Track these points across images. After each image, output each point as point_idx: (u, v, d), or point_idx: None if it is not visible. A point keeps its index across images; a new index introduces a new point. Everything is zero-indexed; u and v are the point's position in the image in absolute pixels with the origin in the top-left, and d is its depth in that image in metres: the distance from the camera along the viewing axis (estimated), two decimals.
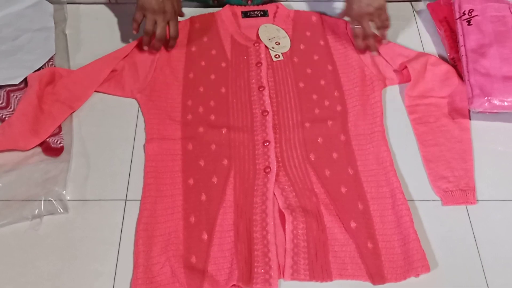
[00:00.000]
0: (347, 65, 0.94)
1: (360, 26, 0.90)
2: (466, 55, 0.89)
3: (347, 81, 0.91)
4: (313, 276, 0.68)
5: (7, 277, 0.68)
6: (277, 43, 0.96)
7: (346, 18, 0.94)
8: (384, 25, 0.91)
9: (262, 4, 1.04)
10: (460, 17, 0.93)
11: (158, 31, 0.88)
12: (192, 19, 1.00)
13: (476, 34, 0.91)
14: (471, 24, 0.92)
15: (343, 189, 0.77)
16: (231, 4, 1.02)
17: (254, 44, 0.96)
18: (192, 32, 0.98)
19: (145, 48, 0.90)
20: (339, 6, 1.06)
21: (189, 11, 1.02)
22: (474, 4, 0.94)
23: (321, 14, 1.03)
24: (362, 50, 0.93)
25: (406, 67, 0.90)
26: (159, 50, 0.92)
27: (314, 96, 0.89)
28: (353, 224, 0.73)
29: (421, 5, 1.07)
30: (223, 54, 0.95)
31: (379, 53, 0.93)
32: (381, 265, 0.70)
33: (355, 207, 0.76)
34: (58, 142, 0.80)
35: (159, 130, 0.83)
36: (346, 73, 0.93)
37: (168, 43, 0.92)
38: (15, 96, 0.85)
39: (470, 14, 0.93)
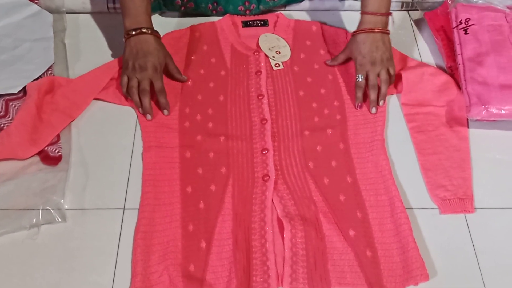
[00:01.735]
0: (348, 74, 0.94)
1: (363, 77, 0.87)
2: (463, 63, 0.90)
3: (347, 90, 0.92)
4: (312, 285, 0.68)
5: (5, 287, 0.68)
6: (278, 52, 0.97)
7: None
8: (386, 80, 0.86)
9: (262, 14, 1.04)
10: (457, 26, 0.94)
11: (141, 87, 0.83)
12: (192, 28, 1.01)
13: (473, 43, 0.91)
14: (468, 33, 0.92)
15: (342, 197, 0.77)
16: (230, 14, 1.02)
17: (254, 53, 0.97)
18: (192, 40, 0.99)
19: (149, 117, 0.85)
20: (339, 16, 1.07)
21: (189, 21, 1.03)
22: (471, 13, 0.95)
23: (321, 23, 1.04)
24: (360, 104, 0.88)
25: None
26: (150, 112, 0.85)
27: (314, 105, 0.89)
28: (352, 233, 0.73)
29: (419, 14, 1.08)
30: (222, 62, 0.95)
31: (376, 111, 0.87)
32: (380, 274, 0.70)
33: (354, 215, 0.75)
34: (57, 151, 0.80)
35: (157, 138, 0.83)
36: (347, 82, 0.93)
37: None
38: (13, 105, 0.85)
39: (467, 23, 0.94)
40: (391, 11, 0.88)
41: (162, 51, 0.87)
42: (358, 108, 0.87)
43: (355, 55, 0.88)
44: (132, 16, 0.85)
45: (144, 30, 0.85)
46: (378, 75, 0.87)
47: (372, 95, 0.86)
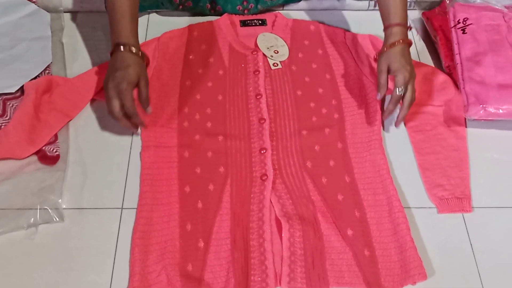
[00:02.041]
0: (346, 74, 0.94)
1: (403, 90, 0.80)
2: (461, 63, 0.90)
3: (345, 90, 0.92)
4: (310, 284, 0.68)
5: None
6: (276, 51, 0.97)
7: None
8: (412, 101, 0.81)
9: (260, 13, 1.04)
10: (455, 26, 0.94)
11: (124, 102, 0.75)
12: (190, 27, 1.01)
13: (471, 42, 0.91)
14: (466, 33, 0.93)
15: (340, 197, 0.77)
16: (228, 14, 1.02)
17: (252, 53, 0.96)
18: (190, 40, 0.99)
19: (137, 131, 0.83)
20: (337, 16, 1.07)
21: (187, 20, 1.03)
22: (469, 13, 0.95)
23: (320, 23, 1.03)
24: (385, 115, 0.83)
25: None
26: (142, 124, 0.81)
27: (312, 104, 0.89)
28: (350, 232, 0.73)
29: (416, 14, 1.08)
30: (220, 62, 0.95)
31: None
32: (378, 273, 0.70)
33: (352, 214, 0.75)
34: (54, 151, 0.80)
35: (155, 137, 0.83)
36: (344, 82, 0.93)
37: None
38: (11, 105, 0.85)
39: (464, 22, 0.94)
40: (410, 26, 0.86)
41: (136, 68, 0.78)
42: (384, 118, 0.84)
43: (396, 67, 0.81)
44: (118, 33, 0.80)
45: (128, 47, 0.78)
46: None
47: (407, 110, 0.81)
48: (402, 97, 0.81)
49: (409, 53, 0.83)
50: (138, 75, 0.77)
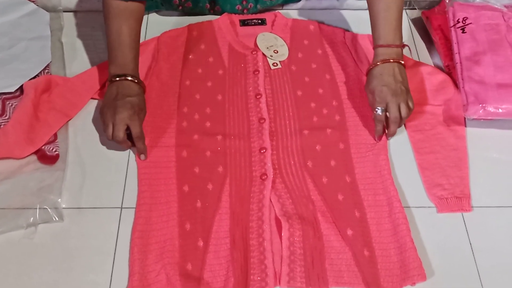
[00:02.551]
0: (345, 74, 0.94)
1: (383, 109, 0.80)
2: (460, 62, 0.90)
3: (345, 90, 0.92)
4: (310, 283, 0.68)
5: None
6: (275, 51, 0.97)
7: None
8: (407, 115, 0.80)
9: (259, 13, 1.04)
10: (454, 25, 0.94)
11: (115, 133, 0.76)
12: (190, 27, 1.01)
13: (470, 42, 0.91)
14: (465, 32, 0.93)
15: (340, 197, 0.77)
16: (228, 13, 1.02)
17: (251, 52, 0.96)
18: (190, 39, 0.98)
19: (142, 157, 0.81)
20: (337, 15, 1.07)
21: (187, 20, 1.03)
22: (468, 12, 0.95)
23: (319, 23, 1.03)
24: (379, 136, 0.83)
25: None
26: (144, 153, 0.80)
27: (312, 105, 0.89)
28: (349, 232, 0.73)
29: (416, 13, 1.08)
30: (220, 61, 0.95)
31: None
32: (378, 274, 0.70)
33: (352, 214, 0.75)
34: (54, 150, 0.80)
35: (153, 137, 0.83)
36: (344, 82, 0.93)
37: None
38: (10, 104, 0.85)
39: (464, 22, 0.94)
40: (405, 43, 0.84)
41: (143, 99, 0.80)
42: (377, 141, 0.82)
43: (373, 87, 0.81)
44: (118, 64, 0.81)
45: (129, 78, 0.79)
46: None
47: (393, 128, 0.80)
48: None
49: (398, 72, 0.81)
50: (134, 105, 0.77)
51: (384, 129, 0.83)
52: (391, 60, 0.81)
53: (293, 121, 0.87)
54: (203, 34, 1.00)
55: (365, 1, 0.86)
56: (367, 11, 0.86)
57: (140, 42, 0.93)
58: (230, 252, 0.71)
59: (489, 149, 0.85)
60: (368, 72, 0.84)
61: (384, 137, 0.84)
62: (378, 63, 0.81)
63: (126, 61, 0.80)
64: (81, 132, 0.85)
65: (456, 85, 0.91)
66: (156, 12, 1.06)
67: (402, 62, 0.82)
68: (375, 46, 0.83)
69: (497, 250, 0.74)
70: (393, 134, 0.82)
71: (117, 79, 0.79)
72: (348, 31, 1.02)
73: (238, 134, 0.84)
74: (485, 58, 0.89)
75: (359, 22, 1.04)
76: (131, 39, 0.82)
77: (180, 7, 1.03)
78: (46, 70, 0.90)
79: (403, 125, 0.86)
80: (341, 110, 0.89)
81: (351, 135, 0.85)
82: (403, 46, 0.83)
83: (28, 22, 0.98)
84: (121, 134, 0.75)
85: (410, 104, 0.80)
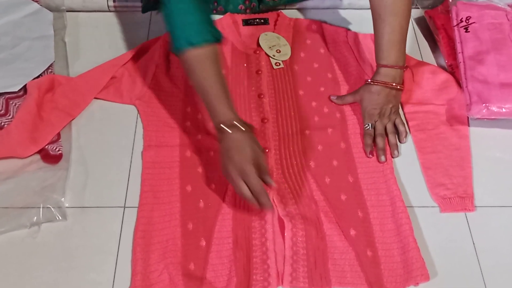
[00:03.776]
0: (347, 73, 0.94)
1: (372, 126, 0.84)
2: (463, 62, 0.89)
3: (347, 89, 0.92)
4: (312, 283, 0.68)
5: (4, 287, 0.68)
6: (278, 51, 0.97)
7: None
8: (393, 132, 0.84)
9: (262, 12, 1.04)
10: (457, 24, 0.94)
11: (251, 182, 0.69)
12: None
13: (473, 41, 0.91)
14: (469, 31, 0.92)
15: (343, 197, 0.77)
16: (230, 13, 1.02)
17: (254, 52, 0.96)
18: None
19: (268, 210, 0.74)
20: (339, 14, 1.06)
21: None
22: (472, 11, 0.94)
23: (322, 22, 1.03)
24: (371, 151, 0.82)
25: None
26: (270, 206, 0.70)
27: (314, 104, 0.89)
28: (352, 232, 0.73)
29: (419, 12, 1.08)
30: (223, 61, 0.95)
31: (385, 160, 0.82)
32: (381, 274, 0.70)
33: (354, 214, 0.75)
34: (57, 150, 0.80)
35: (157, 137, 0.83)
36: (346, 81, 0.93)
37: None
38: (14, 104, 0.85)
39: (467, 21, 0.93)
40: (407, 66, 0.86)
41: (249, 144, 0.71)
42: (370, 156, 0.82)
43: (366, 104, 0.85)
44: (219, 113, 0.73)
45: (236, 123, 0.72)
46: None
47: (381, 143, 0.82)
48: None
49: (393, 95, 0.84)
50: (253, 150, 0.70)
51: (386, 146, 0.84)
52: (394, 85, 0.83)
53: (295, 121, 0.86)
54: None
55: (367, 1, 0.86)
56: (369, 10, 0.85)
57: (143, 42, 0.94)
58: (233, 252, 0.71)
59: (492, 149, 0.85)
60: (367, 86, 0.85)
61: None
62: (379, 83, 0.83)
63: (224, 107, 0.73)
64: (84, 131, 0.85)
65: (459, 84, 0.90)
66: (159, 11, 1.06)
67: (402, 87, 0.85)
68: (378, 65, 0.84)
69: (500, 250, 0.73)
70: (382, 151, 0.82)
71: (227, 128, 0.71)
72: (350, 30, 1.01)
73: None
74: (488, 57, 0.88)
75: (361, 22, 1.04)
76: (220, 83, 0.74)
77: None
78: (49, 70, 0.91)
79: (405, 125, 0.87)
80: (341, 108, 0.89)
81: (351, 134, 0.85)
82: (406, 68, 0.85)
83: (31, 21, 0.98)
84: (255, 180, 0.68)
85: (398, 123, 0.85)
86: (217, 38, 0.74)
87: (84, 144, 0.83)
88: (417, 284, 0.68)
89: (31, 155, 0.80)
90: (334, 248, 0.72)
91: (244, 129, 0.72)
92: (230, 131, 0.71)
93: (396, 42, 0.82)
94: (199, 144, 0.83)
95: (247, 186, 0.69)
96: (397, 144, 0.84)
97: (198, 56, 0.73)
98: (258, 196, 0.69)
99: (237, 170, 0.69)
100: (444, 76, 0.92)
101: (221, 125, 0.71)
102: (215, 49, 0.74)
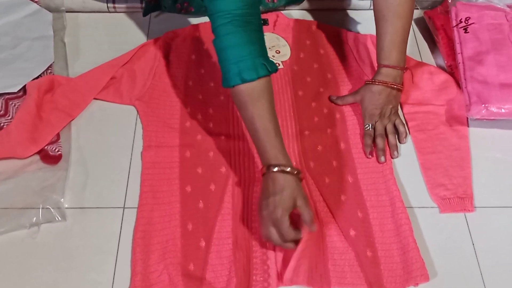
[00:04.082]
0: (347, 73, 0.94)
1: (372, 126, 0.84)
2: (463, 62, 0.89)
3: (346, 89, 0.92)
4: (312, 284, 0.68)
5: (4, 287, 0.68)
6: (277, 51, 0.97)
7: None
8: (393, 132, 0.84)
9: (262, 13, 1.04)
10: (457, 25, 0.94)
11: (283, 233, 0.66)
12: (192, 28, 1.01)
13: (473, 41, 0.91)
14: (468, 32, 0.92)
15: (343, 197, 0.77)
16: None
17: None
18: (192, 40, 0.98)
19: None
20: (339, 15, 1.07)
21: (189, 20, 1.03)
22: (471, 12, 0.95)
23: (321, 23, 1.03)
24: (370, 152, 0.82)
25: None
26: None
27: (313, 104, 0.89)
28: (352, 232, 0.73)
29: (418, 13, 1.08)
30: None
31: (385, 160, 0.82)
32: (380, 274, 0.70)
33: (354, 215, 0.75)
34: (56, 150, 0.80)
35: (157, 137, 0.83)
36: (346, 81, 0.93)
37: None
38: (13, 104, 0.85)
39: (467, 22, 0.94)
40: (407, 67, 0.86)
41: (291, 189, 0.68)
42: (369, 157, 0.82)
43: (367, 104, 0.85)
44: (269, 155, 0.70)
45: (285, 169, 0.68)
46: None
47: (381, 144, 0.82)
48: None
49: (393, 96, 0.84)
50: (293, 198, 0.67)
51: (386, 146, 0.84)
52: (395, 86, 0.83)
53: (294, 122, 0.86)
54: (206, 34, 1.00)
55: (367, 1, 0.86)
56: (369, 11, 0.86)
57: (143, 42, 0.94)
58: (233, 252, 0.71)
59: (491, 149, 0.85)
60: (368, 86, 0.85)
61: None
62: (380, 83, 0.83)
63: (274, 149, 0.70)
64: (84, 132, 0.85)
65: (458, 85, 0.90)
66: (159, 12, 1.06)
67: (401, 87, 0.85)
68: (379, 65, 0.85)
69: (499, 251, 0.74)
70: (382, 151, 0.82)
71: (273, 169, 0.68)
72: (350, 31, 1.01)
73: (241, 134, 0.84)
74: (488, 58, 0.88)
75: (361, 22, 1.04)
76: (273, 124, 0.71)
77: (183, 11, 1.03)
78: (49, 70, 0.91)
79: (405, 125, 0.87)
80: (341, 108, 0.89)
81: (350, 135, 0.85)
82: (406, 69, 0.86)
83: (31, 22, 0.98)
84: (285, 228, 0.65)
85: (398, 123, 0.85)
86: (270, 71, 0.72)
87: (83, 144, 0.83)
88: (416, 284, 0.68)
89: (31, 156, 0.80)
90: (334, 248, 0.72)
91: (291, 176, 0.68)
92: (277, 174, 0.68)
93: (398, 43, 0.83)
94: (199, 145, 0.83)
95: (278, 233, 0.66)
96: (397, 145, 0.84)
97: (251, 93, 0.70)
98: (284, 245, 0.67)
99: (269, 216, 0.66)
100: (443, 76, 0.92)
101: (271, 167, 0.69)
102: (268, 82, 0.72)
